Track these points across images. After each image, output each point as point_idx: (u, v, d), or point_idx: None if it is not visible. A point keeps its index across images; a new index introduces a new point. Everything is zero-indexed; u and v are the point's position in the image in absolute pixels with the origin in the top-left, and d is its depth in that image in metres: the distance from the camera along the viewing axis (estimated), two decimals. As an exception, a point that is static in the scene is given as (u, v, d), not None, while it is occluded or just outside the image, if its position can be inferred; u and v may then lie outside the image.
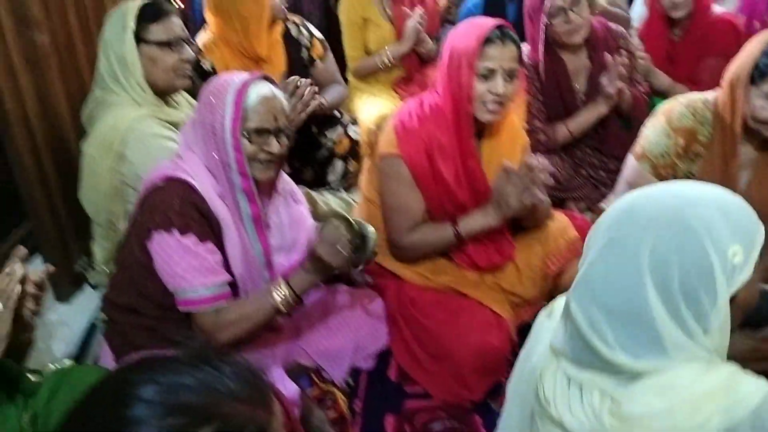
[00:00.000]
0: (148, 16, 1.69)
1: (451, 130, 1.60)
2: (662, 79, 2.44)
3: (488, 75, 1.54)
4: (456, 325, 1.62)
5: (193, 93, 2.23)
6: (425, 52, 2.77)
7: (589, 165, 2.24)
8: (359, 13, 2.75)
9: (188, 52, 1.76)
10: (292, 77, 1.96)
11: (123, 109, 1.68)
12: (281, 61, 2.27)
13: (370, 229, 1.43)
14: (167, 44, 1.69)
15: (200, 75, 2.19)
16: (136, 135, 1.65)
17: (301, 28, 2.35)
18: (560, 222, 1.77)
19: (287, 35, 2.31)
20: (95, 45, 1.82)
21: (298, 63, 2.32)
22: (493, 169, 1.65)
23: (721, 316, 0.81)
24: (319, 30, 2.92)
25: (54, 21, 1.82)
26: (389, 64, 2.74)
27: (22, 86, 1.72)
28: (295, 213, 1.60)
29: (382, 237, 1.69)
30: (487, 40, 1.52)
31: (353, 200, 2.23)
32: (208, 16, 2.20)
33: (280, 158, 1.45)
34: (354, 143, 2.40)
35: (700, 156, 1.62)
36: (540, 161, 1.55)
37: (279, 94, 1.45)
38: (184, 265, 1.34)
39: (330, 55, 2.42)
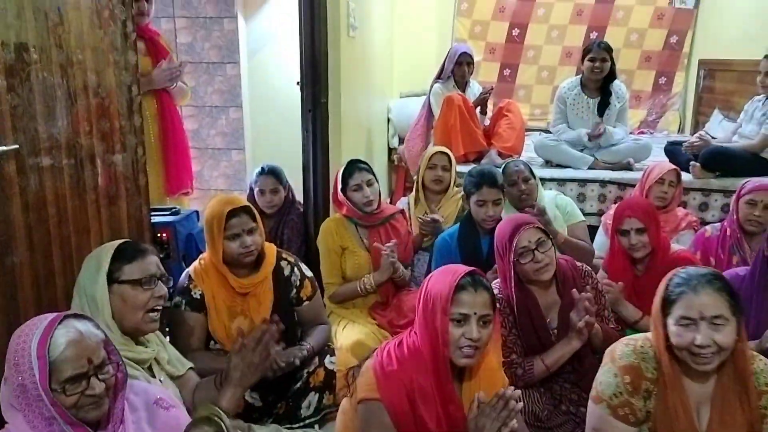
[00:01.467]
0: (123, 256, 1.74)
1: (430, 373, 1.58)
2: (631, 311, 2.53)
3: (462, 320, 1.57)
4: None
5: (173, 327, 2.25)
6: (399, 279, 2.86)
7: (569, 401, 2.20)
8: (337, 241, 2.88)
9: (161, 289, 1.78)
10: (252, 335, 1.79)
11: None
12: (268, 297, 2.30)
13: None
14: (139, 282, 1.73)
15: (188, 303, 2.22)
16: None
17: (295, 268, 2.40)
18: (546, 470, 1.69)
19: (278, 273, 2.35)
20: (74, 283, 1.84)
21: (286, 301, 2.36)
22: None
23: None
24: (298, 256, 3.04)
25: (36, 258, 1.86)
26: (368, 291, 2.82)
27: (-7, 322, 1.69)
28: (169, 420, 1.51)
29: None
30: (460, 287, 1.58)
31: (327, 438, 2.13)
32: (207, 241, 2.27)
33: (109, 392, 1.38)
34: (330, 374, 2.34)
35: (652, 393, 1.62)
36: (510, 392, 1.53)
37: (87, 330, 1.38)
38: None
39: (318, 294, 2.46)
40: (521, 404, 1.54)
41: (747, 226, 2.77)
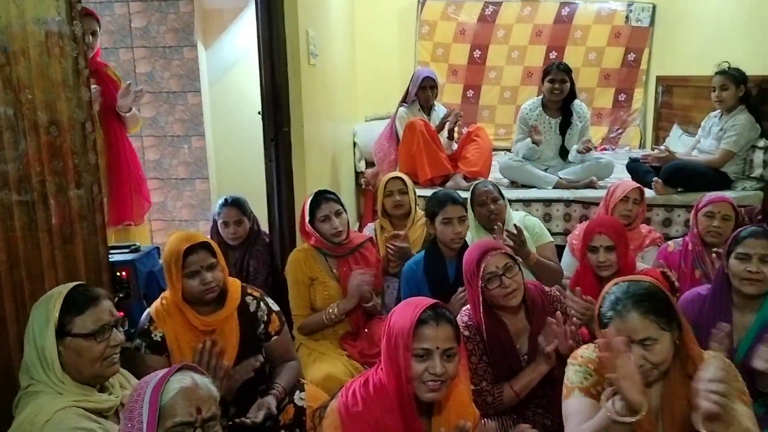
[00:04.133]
0: (74, 307, 1.66)
1: (396, 411, 1.54)
2: None
3: (425, 355, 1.54)
4: None
5: (133, 370, 2.17)
6: (370, 308, 2.82)
7: (542, 426, 2.19)
8: (306, 273, 2.82)
9: (117, 337, 1.71)
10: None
11: (45, 399, 1.58)
12: (234, 335, 2.23)
13: None
14: (92, 335, 1.65)
15: (148, 346, 2.15)
16: (53, 430, 1.52)
17: (261, 303, 2.34)
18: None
19: (244, 309, 2.29)
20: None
21: (253, 338, 2.29)
22: (444, 449, 1.58)
23: None
24: (265, 287, 2.98)
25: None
26: (334, 320, 2.76)
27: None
28: None
29: None
30: (421, 321, 1.55)
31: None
32: (167, 280, 2.20)
33: None
34: (300, 411, 2.28)
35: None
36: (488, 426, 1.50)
37: (203, 382, 1.39)
38: None
39: (286, 329, 2.40)
40: None
41: (707, 238, 2.82)
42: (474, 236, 3.08)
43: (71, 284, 1.75)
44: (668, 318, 1.59)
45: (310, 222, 2.81)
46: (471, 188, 3.21)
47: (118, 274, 2.41)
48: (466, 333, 2.17)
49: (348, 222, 2.88)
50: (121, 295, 2.38)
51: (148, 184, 3.63)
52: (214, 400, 1.38)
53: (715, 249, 2.72)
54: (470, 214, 3.12)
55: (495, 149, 5.05)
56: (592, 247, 2.60)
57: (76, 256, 2.18)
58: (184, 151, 4.77)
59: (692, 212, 2.97)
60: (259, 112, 3.11)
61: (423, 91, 4.36)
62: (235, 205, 3.14)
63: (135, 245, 2.55)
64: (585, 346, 1.77)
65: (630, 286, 1.64)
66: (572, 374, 1.68)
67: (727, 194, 3.42)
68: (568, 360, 1.74)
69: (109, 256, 2.38)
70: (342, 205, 2.85)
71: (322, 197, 2.82)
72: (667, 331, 1.58)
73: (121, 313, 1.88)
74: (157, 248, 2.65)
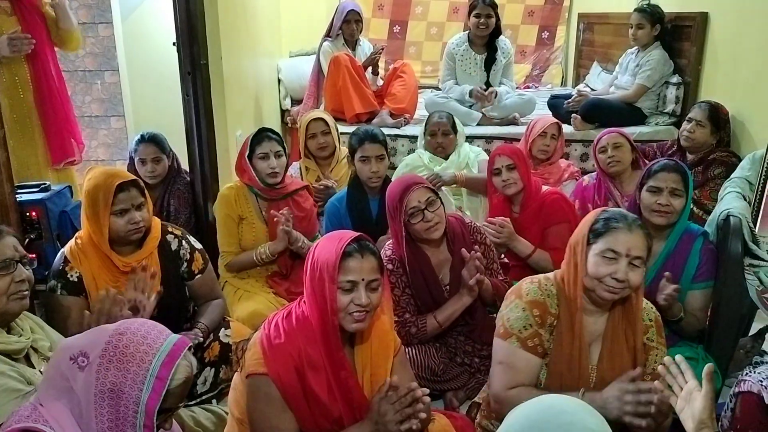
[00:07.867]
0: None
1: (319, 342, 1.56)
2: (524, 245, 2.64)
3: (350, 287, 1.56)
4: None
5: (49, 312, 2.09)
6: (300, 249, 2.80)
7: (464, 352, 2.28)
8: (236, 210, 2.78)
9: (22, 273, 1.64)
10: None
11: None
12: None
13: None
14: None
15: (64, 286, 2.07)
16: None
17: (183, 241, 2.29)
18: (441, 426, 1.72)
19: (165, 248, 2.24)
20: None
21: (175, 277, 2.25)
22: (368, 378, 1.62)
23: None
24: (187, 227, 2.91)
25: None
26: (265, 261, 2.75)
27: None
28: None
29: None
30: (346, 254, 1.55)
31: (225, 412, 2.08)
32: (88, 217, 2.10)
33: None
34: (225, 347, 2.28)
35: (554, 328, 1.71)
36: (420, 392, 1.53)
37: (194, 364, 1.36)
38: None
39: (210, 267, 2.37)
40: (424, 416, 1.54)
41: (609, 170, 2.97)
42: (424, 159, 3.38)
43: None
44: (649, 252, 1.68)
45: (248, 157, 2.74)
46: (426, 119, 3.49)
47: (28, 214, 2.29)
48: (390, 266, 2.21)
49: (286, 166, 2.83)
50: (32, 236, 2.27)
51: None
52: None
53: None
54: (420, 139, 3.51)
55: (422, 87, 5.04)
56: (495, 170, 2.76)
57: (-21, 197, 2.06)
58: (98, 87, 4.52)
59: (591, 152, 3.11)
60: (173, 43, 2.96)
61: (347, 25, 4.26)
62: (153, 141, 3.01)
63: (45, 184, 2.42)
64: (529, 280, 1.77)
65: (623, 212, 1.73)
66: (513, 316, 1.70)
67: (642, 129, 3.62)
68: (510, 296, 1.76)
69: (17, 195, 2.26)
70: (284, 148, 2.79)
71: (264, 135, 2.75)
72: (645, 265, 1.67)
73: (33, 255, 1.81)
74: (69, 187, 2.53)
